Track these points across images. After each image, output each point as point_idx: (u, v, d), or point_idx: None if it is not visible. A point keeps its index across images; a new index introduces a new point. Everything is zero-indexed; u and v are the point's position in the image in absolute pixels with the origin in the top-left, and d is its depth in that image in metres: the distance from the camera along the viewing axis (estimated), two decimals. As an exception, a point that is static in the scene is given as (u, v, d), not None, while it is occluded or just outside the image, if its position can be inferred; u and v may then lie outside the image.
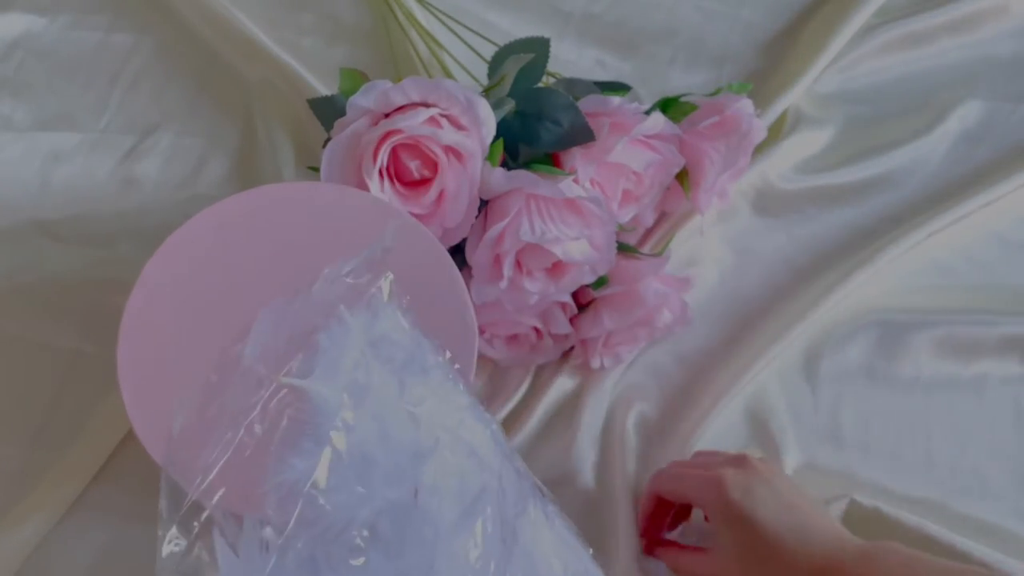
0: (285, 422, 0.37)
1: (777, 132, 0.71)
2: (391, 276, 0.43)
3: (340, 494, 0.37)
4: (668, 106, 0.63)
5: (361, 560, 0.37)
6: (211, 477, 0.36)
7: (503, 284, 0.56)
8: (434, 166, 0.55)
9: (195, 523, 0.37)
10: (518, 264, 0.57)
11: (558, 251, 0.55)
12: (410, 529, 0.38)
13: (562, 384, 0.62)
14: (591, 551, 0.49)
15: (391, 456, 0.39)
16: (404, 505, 0.39)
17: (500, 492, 0.42)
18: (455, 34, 0.70)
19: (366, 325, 0.41)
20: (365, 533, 0.37)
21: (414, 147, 0.55)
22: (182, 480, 0.37)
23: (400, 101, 0.55)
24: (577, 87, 0.63)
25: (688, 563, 0.54)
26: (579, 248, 0.56)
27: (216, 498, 0.37)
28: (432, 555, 0.38)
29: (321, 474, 0.37)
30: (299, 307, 0.40)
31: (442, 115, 0.55)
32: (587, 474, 0.59)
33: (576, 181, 0.57)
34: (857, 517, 0.56)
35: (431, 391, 0.42)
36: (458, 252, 0.58)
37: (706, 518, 0.53)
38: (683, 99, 0.64)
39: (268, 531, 0.36)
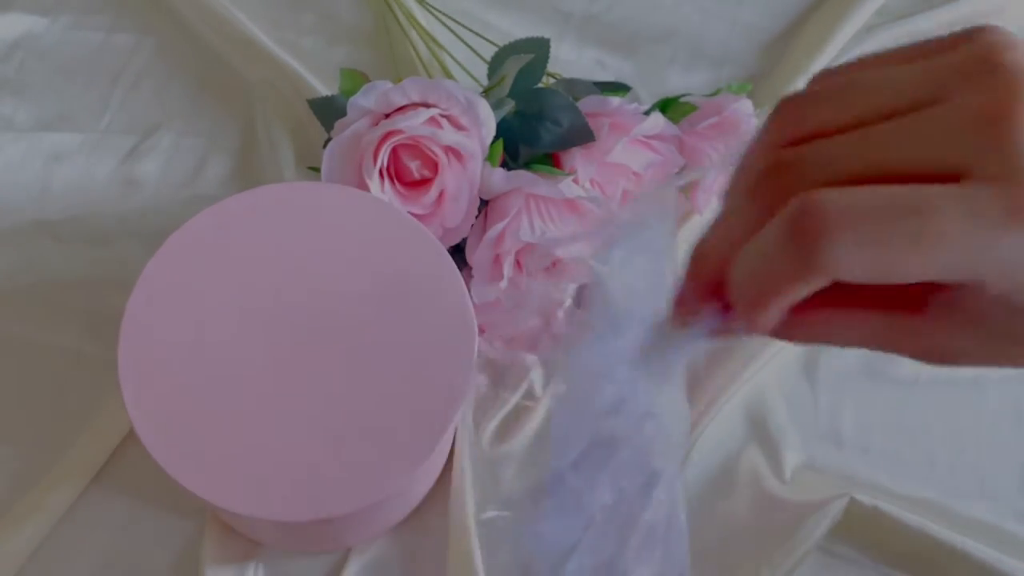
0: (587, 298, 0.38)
1: (777, 132, 0.71)
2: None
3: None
4: (667, 106, 0.63)
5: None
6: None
7: (503, 284, 0.56)
8: (434, 166, 0.55)
9: None
10: (518, 264, 0.57)
11: (558, 251, 0.55)
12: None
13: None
14: None
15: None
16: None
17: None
18: (455, 34, 0.70)
19: (653, 239, 0.42)
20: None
21: (414, 147, 0.55)
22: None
23: (400, 101, 0.55)
24: (577, 87, 0.63)
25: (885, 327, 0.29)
26: (579, 248, 0.56)
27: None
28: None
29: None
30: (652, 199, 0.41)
31: (442, 115, 0.55)
32: (587, 474, 0.59)
33: (576, 181, 0.57)
34: (857, 517, 0.56)
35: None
36: (458, 252, 0.58)
37: None
38: (682, 99, 0.64)
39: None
